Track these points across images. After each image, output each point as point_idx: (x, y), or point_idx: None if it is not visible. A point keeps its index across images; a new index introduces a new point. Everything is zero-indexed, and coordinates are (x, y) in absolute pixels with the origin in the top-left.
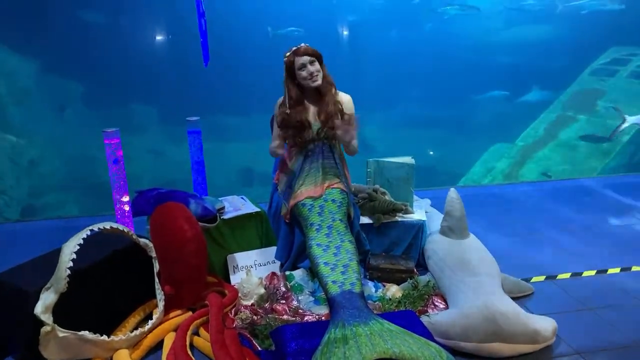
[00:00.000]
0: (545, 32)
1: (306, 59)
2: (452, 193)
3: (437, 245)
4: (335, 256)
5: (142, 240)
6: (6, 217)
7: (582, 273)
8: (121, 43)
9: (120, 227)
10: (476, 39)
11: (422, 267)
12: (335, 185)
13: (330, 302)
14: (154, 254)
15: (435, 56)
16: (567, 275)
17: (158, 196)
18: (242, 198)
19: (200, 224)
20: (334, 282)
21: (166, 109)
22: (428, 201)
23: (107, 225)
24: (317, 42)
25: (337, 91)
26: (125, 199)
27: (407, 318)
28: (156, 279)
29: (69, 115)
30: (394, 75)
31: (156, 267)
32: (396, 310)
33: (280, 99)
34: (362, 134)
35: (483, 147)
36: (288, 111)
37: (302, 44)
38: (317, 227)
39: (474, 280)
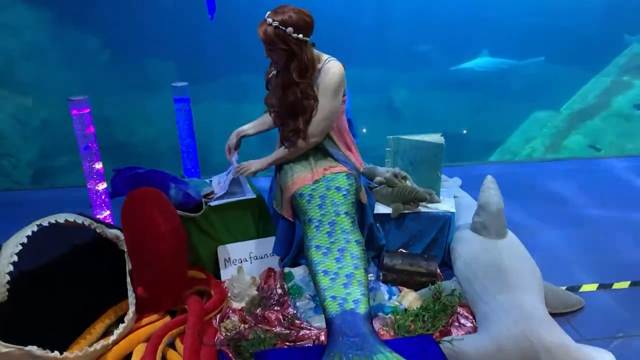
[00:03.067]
0: None
1: (262, 38)
2: (489, 181)
3: (466, 245)
4: (337, 262)
5: (112, 232)
6: (16, 181)
7: None
8: None
9: (80, 220)
10: None
11: (447, 266)
12: (338, 169)
13: (328, 323)
14: (125, 248)
15: (469, 11)
16: (625, 285)
17: (135, 177)
18: (239, 179)
19: (181, 213)
20: (333, 297)
21: (186, 65)
22: (458, 181)
23: (62, 218)
24: None
25: (328, 62)
26: (101, 186)
27: (424, 347)
28: (128, 279)
29: (84, 70)
30: (422, 34)
31: (128, 264)
32: (411, 326)
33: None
34: (387, 96)
35: (523, 115)
36: (272, 74)
37: (270, 15)
38: (317, 223)
39: (511, 299)
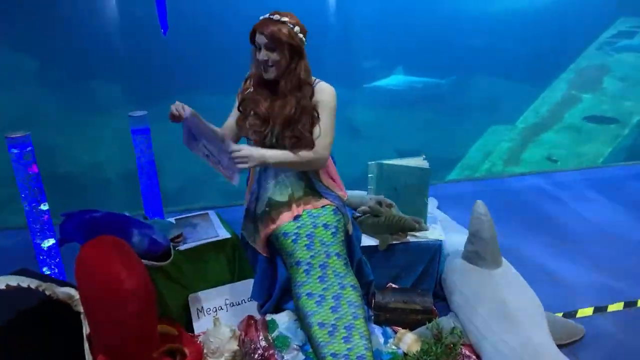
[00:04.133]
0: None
1: (263, 39)
2: (479, 207)
3: (461, 277)
4: (333, 312)
5: (63, 292)
6: None
7: (637, 302)
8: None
9: (24, 282)
10: (467, 11)
11: (439, 298)
12: (322, 203)
13: None
14: (81, 309)
15: (423, 29)
16: (619, 307)
17: (90, 223)
18: (210, 213)
19: (147, 263)
20: (334, 355)
21: (132, 89)
22: (434, 202)
23: (2, 283)
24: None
25: (318, 82)
26: (46, 243)
27: None
28: (86, 345)
29: (20, 95)
30: (377, 51)
31: (86, 327)
32: None
33: (248, 74)
34: (344, 114)
35: (479, 130)
36: (248, 91)
37: (275, 14)
38: (307, 267)
39: (519, 339)
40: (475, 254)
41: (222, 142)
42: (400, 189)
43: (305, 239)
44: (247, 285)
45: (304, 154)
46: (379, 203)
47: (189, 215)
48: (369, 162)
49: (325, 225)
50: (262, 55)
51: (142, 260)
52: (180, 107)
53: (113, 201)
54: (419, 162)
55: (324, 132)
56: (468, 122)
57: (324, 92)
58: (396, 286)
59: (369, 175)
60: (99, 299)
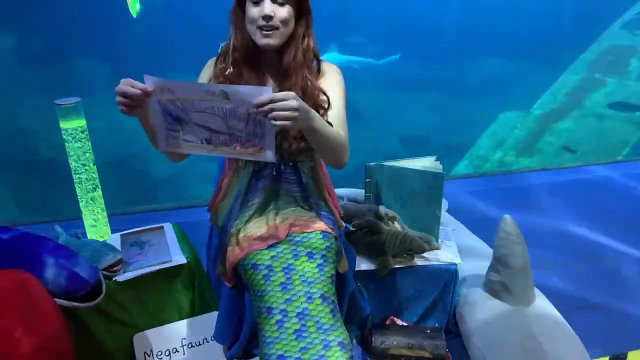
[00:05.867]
0: None
1: None
2: (508, 224)
3: (482, 313)
4: None
5: None
6: None
7: None
8: None
9: None
10: None
11: (452, 334)
12: (320, 228)
13: None
14: None
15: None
16: None
17: None
18: (166, 226)
19: (64, 304)
20: None
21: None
22: (444, 204)
23: None
24: None
25: (322, 62)
26: None
27: None
28: None
29: None
30: (384, 28)
31: None
32: None
33: (222, 47)
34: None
35: (490, 116)
36: (228, 71)
37: None
38: (280, 316)
39: None
40: (502, 285)
41: (226, 99)
42: (406, 197)
43: (281, 274)
44: (210, 320)
45: (344, 137)
46: (379, 216)
47: (137, 230)
48: (367, 164)
49: (310, 255)
50: (266, 8)
51: (59, 302)
52: (138, 84)
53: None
54: (429, 163)
55: (340, 121)
56: (477, 107)
57: (332, 70)
58: (399, 321)
59: (367, 180)
60: None
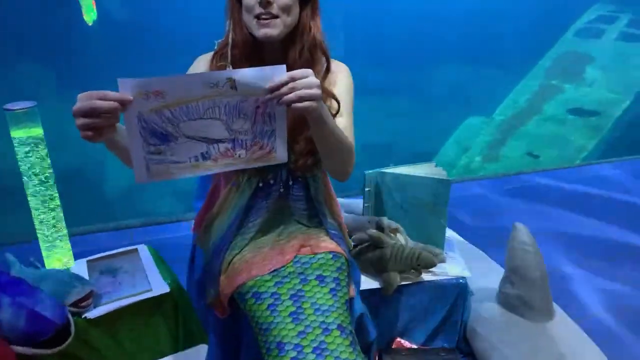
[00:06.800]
0: None
1: None
2: (522, 233)
3: (499, 331)
4: None
5: None
6: None
7: None
8: None
9: None
10: None
11: (462, 353)
12: (330, 248)
13: None
14: None
15: (394, 13)
16: None
17: None
18: (140, 248)
19: (26, 351)
20: None
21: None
22: None
23: None
24: None
25: (331, 61)
26: None
27: None
28: None
29: None
30: (344, 34)
31: None
32: None
33: (218, 44)
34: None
35: (454, 122)
36: (230, 66)
37: None
38: (295, 352)
39: None
40: (519, 299)
41: (232, 90)
42: (409, 206)
43: (290, 303)
44: (197, 355)
45: (352, 142)
46: (380, 227)
47: (107, 254)
48: (366, 172)
49: (321, 279)
50: None
51: (17, 350)
52: (110, 93)
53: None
54: (431, 170)
55: (349, 130)
56: (441, 114)
57: (342, 70)
58: (406, 343)
59: (366, 189)
60: None
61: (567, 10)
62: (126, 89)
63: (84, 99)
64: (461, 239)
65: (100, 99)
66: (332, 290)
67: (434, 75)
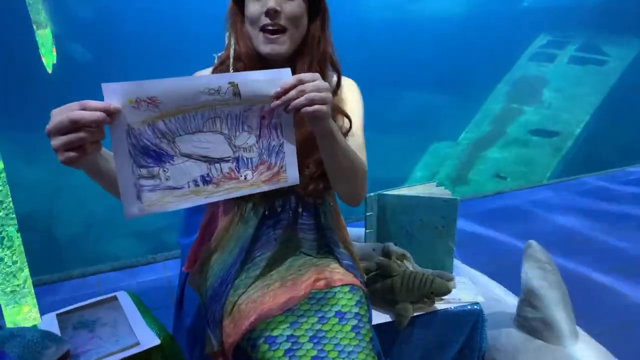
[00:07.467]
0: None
1: None
2: (536, 250)
3: (523, 358)
4: None
5: None
6: None
7: None
8: None
9: None
10: (398, 20)
11: None
12: (347, 281)
13: None
14: None
15: (350, 43)
16: None
17: None
18: (120, 295)
19: None
20: None
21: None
22: None
23: None
24: None
25: (342, 77)
26: None
27: None
28: None
29: None
30: None
31: None
32: None
33: (218, 57)
34: None
35: (421, 148)
36: None
37: None
38: None
39: None
40: (542, 322)
41: (235, 97)
42: (414, 230)
43: (310, 346)
44: None
45: (364, 162)
46: (387, 254)
47: (80, 305)
48: (367, 195)
49: (341, 316)
50: (271, 1)
51: None
52: (93, 103)
53: None
54: (433, 189)
55: (361, 150)
56: (407, 140)
57: (350, 85)
58: None
59: (368, 214)
60: None
61: (519, 35)
62: (112, 96)
63: (64, 111)
64: (462, 263)
65: (83, 109)
66: (354, 327)
67: (398, 103)
